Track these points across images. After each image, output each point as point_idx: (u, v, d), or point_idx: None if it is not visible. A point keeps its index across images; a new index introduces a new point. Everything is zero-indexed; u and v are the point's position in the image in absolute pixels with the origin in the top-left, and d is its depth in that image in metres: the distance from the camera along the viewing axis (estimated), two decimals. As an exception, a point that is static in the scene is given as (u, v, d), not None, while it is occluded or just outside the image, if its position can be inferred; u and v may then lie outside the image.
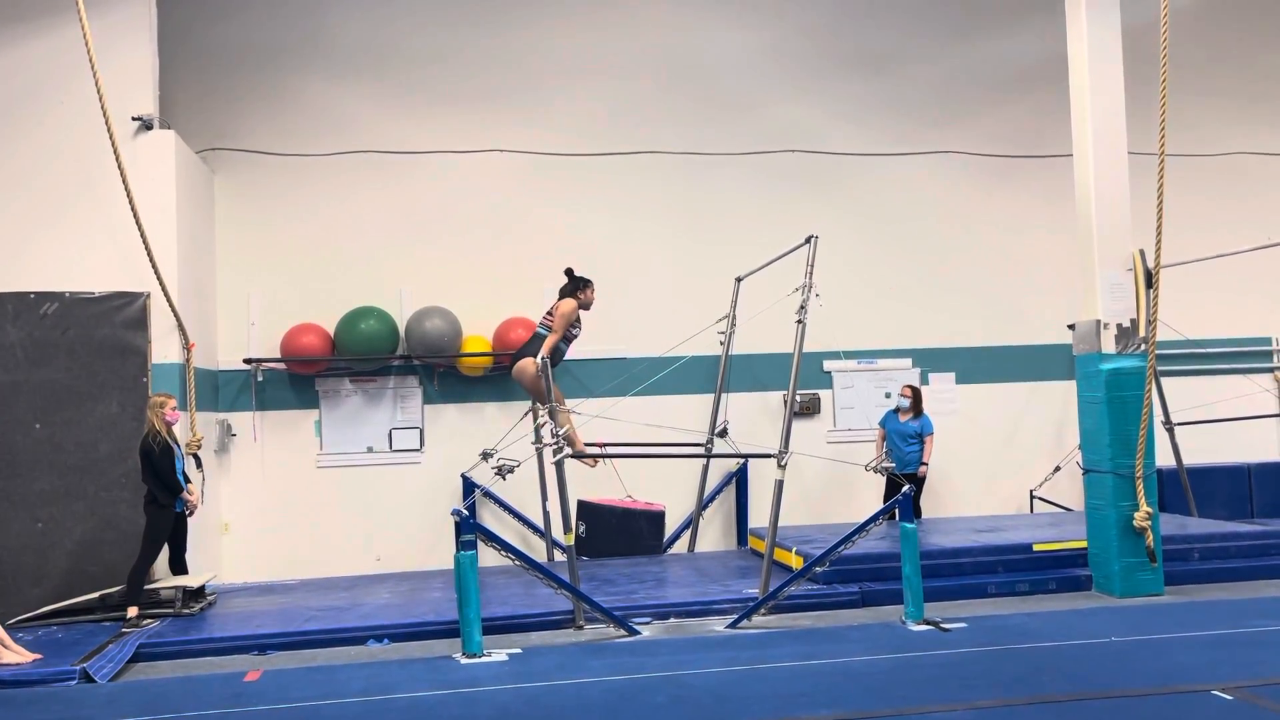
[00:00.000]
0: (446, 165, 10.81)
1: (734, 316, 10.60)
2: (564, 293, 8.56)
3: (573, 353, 10.61)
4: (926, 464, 10.43)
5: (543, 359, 7.98)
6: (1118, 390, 8.02)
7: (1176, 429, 10.89)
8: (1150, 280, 7.99)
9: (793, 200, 11.16)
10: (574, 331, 8.56)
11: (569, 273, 8.60)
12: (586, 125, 11.03)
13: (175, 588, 8.04)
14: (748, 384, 10.96)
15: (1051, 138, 10.98)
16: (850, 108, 11.51)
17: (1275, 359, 12.07)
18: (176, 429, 8.19)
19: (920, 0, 11.69)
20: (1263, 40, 12.30)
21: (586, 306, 8.63)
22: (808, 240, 8.40)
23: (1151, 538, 7.85)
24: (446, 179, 10.81)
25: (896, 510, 7.38)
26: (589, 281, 8.64)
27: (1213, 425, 11.11)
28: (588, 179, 10.98)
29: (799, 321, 8.18)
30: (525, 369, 8.28)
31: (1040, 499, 11.29)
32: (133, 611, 7.70)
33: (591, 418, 8.60)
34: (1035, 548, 8.48)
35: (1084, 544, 8.35)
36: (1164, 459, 9.97)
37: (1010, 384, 11.58)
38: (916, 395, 10.61)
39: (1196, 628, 6.75)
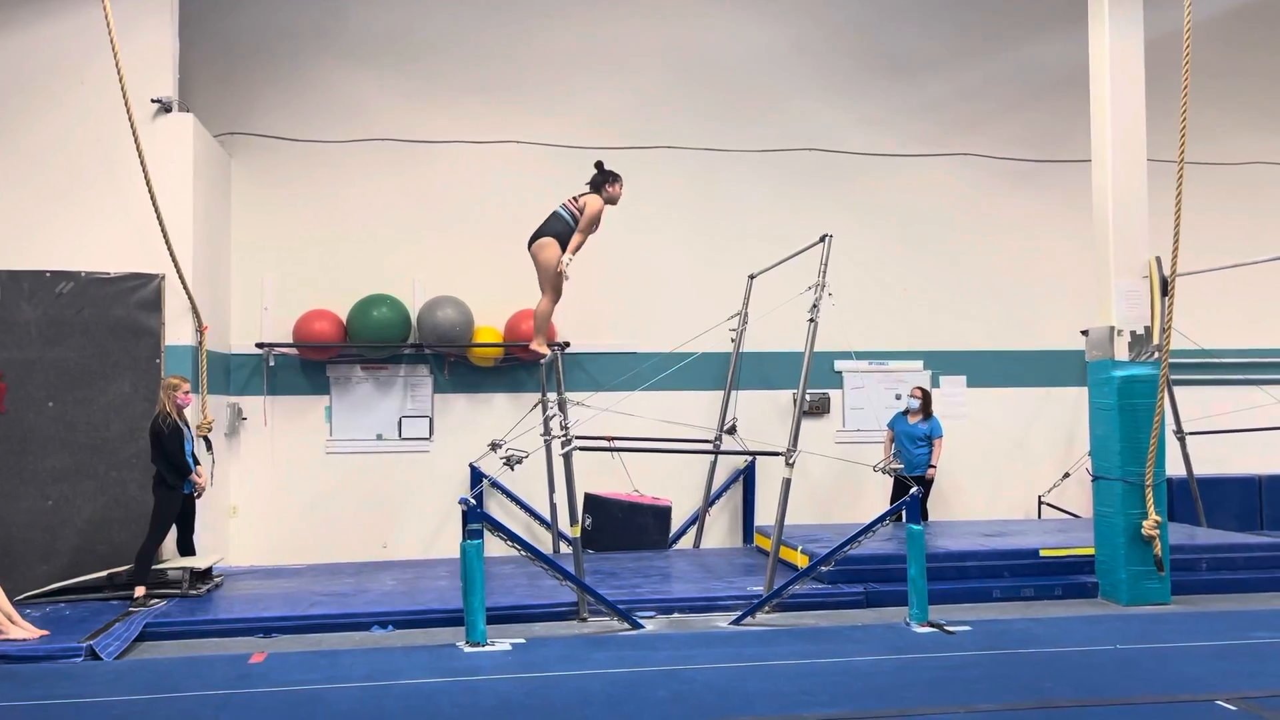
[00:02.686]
0: (463, 155, 10.81)
1: (746, 314, 10.58)
2: (592, 186, 7.96)
3: (583, 346, 10.68)
4: (934, 466, 10.40)
5: (565, 264, 7.64)
6: (1130, 398, 7.98)
7: (1188, 438, 10.83)
8: (1166, 288, 7.95)
9: (808, 199, 11.13)
10: (594, 229, 7.98)
11: (599, 165, 8.04)
12: (604, 118, 11.01)
13: (182, 569, 8.09)
14: (758, 382, 10.95)
15: (1071, 143, 10.92)
16: (869, 108, 11.47)
17: (1290, 371, 11.99)
18: (187, 411, 8.23)
19: (943, 4, 11.64)
20: (1285, 49, 12.22)
21: (613, 202, 8.01)
22: (822, 239, 8.38)
23: (1159, 546, 7.82)
24: (462, 169, 10.81)
25: (903, 512, 7.37)
26: (618, 176, 8.00)
27: (1224, 436, 11.06)
28: (603, 173, 10.96)
29: (811, 320, 8.17)
30: (546, 250, 7.75)
31: (1048, 505, 11.25)
32: (140, 591, 7.75)
33: (600, 411, 8.60)
34: (1042, 553, 8.46)
35: (1091, 551, 8.32)
36: (1174, 468, 9.92)
37: (1022, 389, 11.54)
38: (926, 397, 10.57)
39: (1202, 638, 6.72)
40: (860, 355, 10.79)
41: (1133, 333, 8.12)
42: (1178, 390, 10.74)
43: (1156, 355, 8.01)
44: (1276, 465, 11.76)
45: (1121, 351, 8.11)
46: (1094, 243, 8.43)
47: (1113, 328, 8.12)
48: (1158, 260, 8.14)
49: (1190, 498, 10.77)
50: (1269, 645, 6.52)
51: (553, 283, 7.85)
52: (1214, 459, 11.18)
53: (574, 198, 7.98)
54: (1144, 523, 7.82)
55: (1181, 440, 10.78)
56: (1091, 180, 8.45)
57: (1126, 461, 7.93)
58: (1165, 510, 7.97)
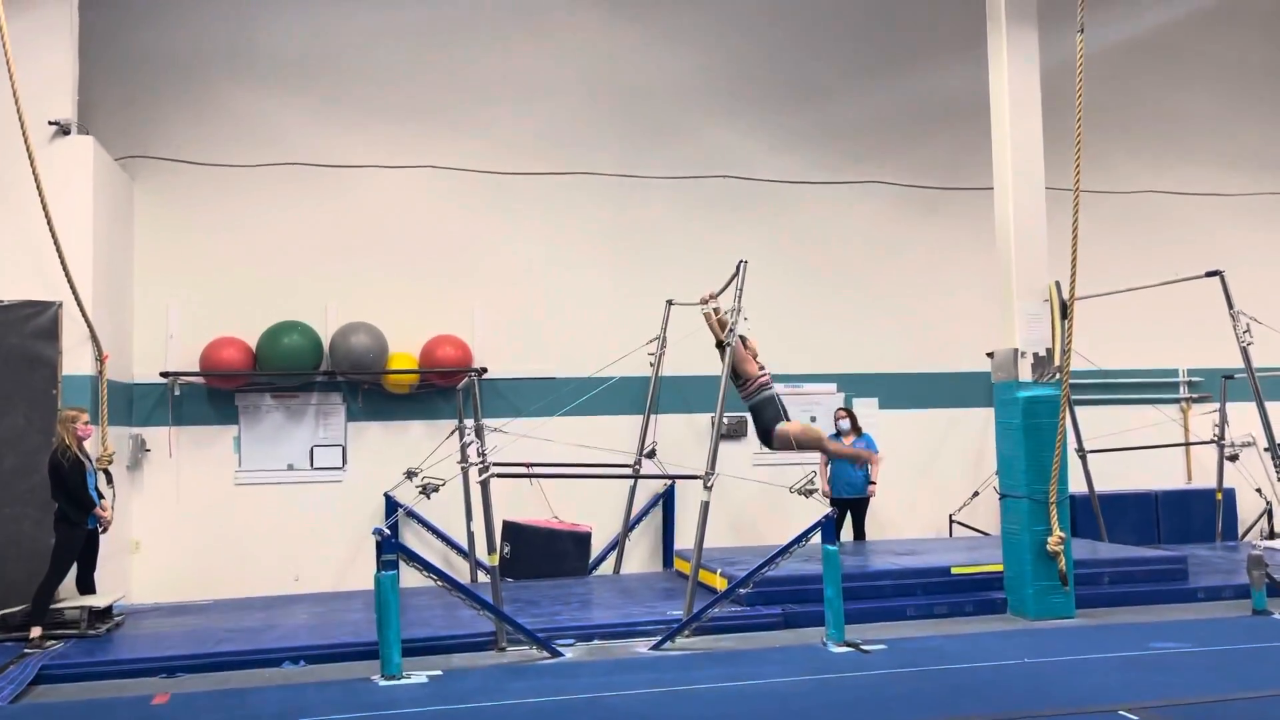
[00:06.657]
0: (376, 180, 10.70)
1: (664, 338, 10.64)
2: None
3: (501, 371, 10.64)
4: (875, 483, 10.52)
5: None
6: (1033, 417, 8.24)
7: (1089, 456, 11.22)
8: (1065, 311, 8.23)
9: (723, 225, 11.28)
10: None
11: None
12: (519, 144, 11.02)
13: (81, 608, 7.76)
14: (677, 405, 11.00)
15: (974, 171, 11.27)
16: (781, 136, 11.69)
17: (1182, 390, 12.53)
18: (87, 444, 7.92)
19: (851, 35, 11.96)
20: (1174, 84, 12.83)
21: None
22: (738, 268, 8.49)
23: (1064, 562, 8.06)
24: (376, 194, 10.69)
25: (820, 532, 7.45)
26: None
27: (1123, 453, 11.48)
28: (520, 198, 10.96)
29: (727, 344, 8.25)
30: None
31: (959, 523, 11.51)
32: (36, 632, 7.42)
33: (519, 437, 8.54)
34: (953, 571, 8.64)
35: (1000, 568, 8.52)
36: (1077, 485, 10.26)
37: (932, 410, 11.82)
38: (852, 416, 10.76)
39: (1105, 650, 6.93)
40: (776, 378, 10.91)
41: (1035, 354, 8.39)
42: (1079, 410, 11.14)
43: (1058, 376, 8.29)
44: (1171, 481, 12.28)
45: (1025, 373, 8.36)
46: (997, 267, 8.70)
47: (1016, 350, 8.38)
48: (1057, 284, 8.43)
49: (1092, 514, 11.14)
50: (1168, 656, 6.77)
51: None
52: (1114, 476, 11.59)
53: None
54: (1049, 539, 8.05)
55: (1083, 458, 11.16)
56: (994, 207, 8.74)
57: (1031, 479, 8.17)
58: (1069, 526, 8.22)
